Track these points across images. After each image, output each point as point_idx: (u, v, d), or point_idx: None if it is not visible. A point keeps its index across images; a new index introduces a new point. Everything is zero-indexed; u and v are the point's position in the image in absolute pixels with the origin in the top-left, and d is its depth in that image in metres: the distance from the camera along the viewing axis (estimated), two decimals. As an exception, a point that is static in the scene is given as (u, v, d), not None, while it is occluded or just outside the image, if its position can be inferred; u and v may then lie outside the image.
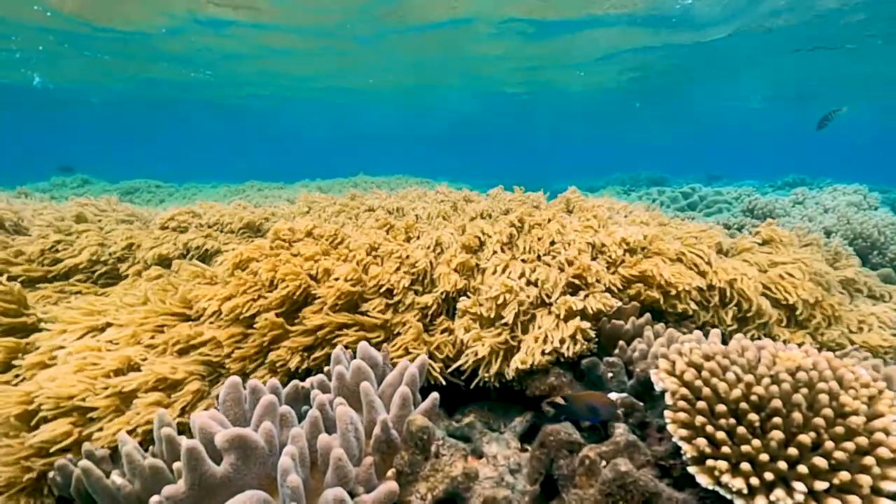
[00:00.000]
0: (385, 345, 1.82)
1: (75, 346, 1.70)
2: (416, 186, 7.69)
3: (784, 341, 2.00)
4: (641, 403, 1.54)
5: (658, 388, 1.33)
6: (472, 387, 1.85)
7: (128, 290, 2.33)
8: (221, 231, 2.78)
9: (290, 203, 5.86)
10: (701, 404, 1.17)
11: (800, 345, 1.97)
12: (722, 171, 13.68)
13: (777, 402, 1.10)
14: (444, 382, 1.84)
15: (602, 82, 15.05)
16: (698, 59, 13.12)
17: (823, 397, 1.11)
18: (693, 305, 1.94)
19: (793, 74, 14.60)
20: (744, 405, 1.12)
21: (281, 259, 1.95)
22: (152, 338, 1.81)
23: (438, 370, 1.84)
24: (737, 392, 1.14)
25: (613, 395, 1.58)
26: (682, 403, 1.20)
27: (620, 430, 1.46)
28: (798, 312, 2.06)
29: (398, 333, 1.92)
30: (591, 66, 13.46)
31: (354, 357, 1.66)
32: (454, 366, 1.87)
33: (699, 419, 1.15)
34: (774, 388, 1.13)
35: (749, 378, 1.16)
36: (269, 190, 6.73)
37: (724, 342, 1.94)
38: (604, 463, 1.35)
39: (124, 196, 7.25)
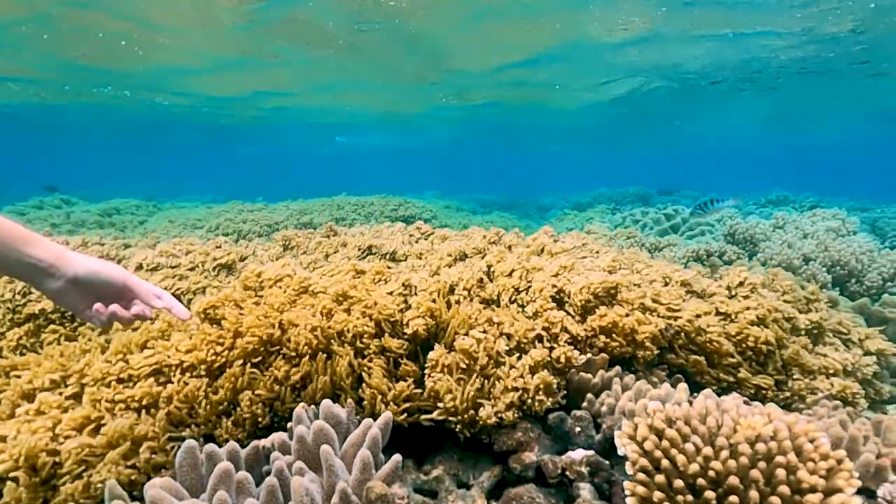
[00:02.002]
0: (350, 400, 1.79)
1: (34, 407, 1.66)
2: (397, 207, 7.72)
3: (751, 391, 2.00)
4: (607, 462, 1.53)
5: (620, 452, 1.32)
6: (443, 429, 1.83)
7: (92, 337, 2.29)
8: (193, 272, 2.75)
9: (270, 228, 5.85)
10: (659, 478, 1.15)
11: (765, 398, 1.97)
12: (678, 185, 13.84)
13: (734, 480, 1.08)
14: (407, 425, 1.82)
15: (593, 102, 15.23)
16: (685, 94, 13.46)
17: (781, 472, 1.09)
18: (655, 351, 1.93)
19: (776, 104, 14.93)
20: (701, 481, 1.11)
21: (245, 310, 1.92)
22: (114, 390, 1.78)
23: (404, 414, 1.82)
24: (695, 466, 1.13)
25: (580, 453, 1.57)
26: (641, 476, 1.19)
27: (585, 493, 1.45)
28: (763, 359, 2.06)
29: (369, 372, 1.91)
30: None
31: (318, 414, 1.63)
32: (423, 417, 1.85)
33: (657, 494, 1.13)
34: (732, 462, 1.12)
35: (707, 451, 1.15)
36: (249, 213, 6.68)
37: (691, 384, 1.95)
38: (567, 529, 1.33)
39: (104, 217, 7.19)
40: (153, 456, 1.63)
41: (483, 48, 9.41)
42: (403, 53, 9.73)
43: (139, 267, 2.78)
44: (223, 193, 13.64)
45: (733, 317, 2.17)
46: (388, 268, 2.48)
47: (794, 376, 2.08)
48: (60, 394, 1.78)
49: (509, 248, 2.74)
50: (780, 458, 1.11)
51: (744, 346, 2.08)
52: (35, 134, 25.70)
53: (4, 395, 1.79)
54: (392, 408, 1.82)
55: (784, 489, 1.07)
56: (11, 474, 1.48)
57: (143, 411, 1.73)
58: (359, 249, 2.95)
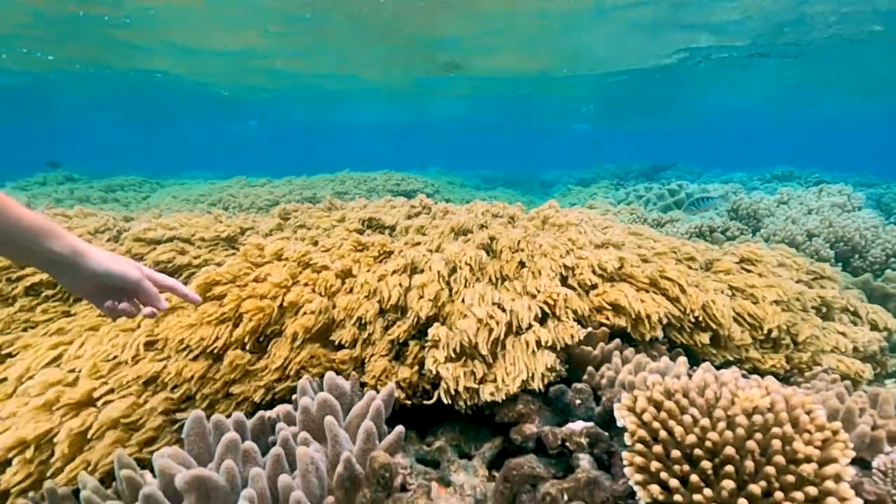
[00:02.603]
0: (353, 372, 1.82)
1: (36, 383, 1.69)
2: (399, 182, 7.69)
3: (756, 366, 2.01)
4: (606, 434, 1.55)
5: (619, 424, 1.34)
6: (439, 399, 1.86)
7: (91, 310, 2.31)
8: (193, 245, 2.76)
9: (272, 203, 5.85)
10: (657, 448, 1.17)
11: (768, 373, 1.98)
12: (672, 162, 13.71)
13: (730, 450, 1.10)
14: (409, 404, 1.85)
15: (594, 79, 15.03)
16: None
17: (776, 443, 1.11)
18: (660, 333, 1.94)
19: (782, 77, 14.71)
20: (698, 451, 1.13)
21: (247, 289, 1.94)
22: (114, 367, 1.81)
23: (407, 395, 1.85)
24: (692, 438, 1.15)
25: (579, 425, 1.59)
26: (639, 447, 1.21)
27: (584, 464, 1.47)
28: (770, 336, 2.07)
29: (372, 355, 1.93)
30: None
31: (322, 386, 1.65)
32: (423, 385, 1.88)
33: (654, 464, 1.15)
34: (729, 433, 1.13)
35: (705, 422, 1.17)
36: (252, 188, 6.67)
37: (697, 363, 1.96)
38: (565, 498, 1.36)
39: (108, 193, 7.19)
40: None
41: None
42: (402, 21, 9.59)
43: (138, 239, 2.78)
44: (227, 170, 13.59)
45: (741, 292, 2.18)
46: (391, 242, 2.48)
47: (802, 353, 2.09)
48: (61, 369, 1.82)
49: (512, 221, 2.73)
50: (776, 430, 1.13)
51: (749, 323, 2.08)
52: (37, 110, 25.55)
53: (7, 371, 1.82)
54: (398, 394, 1.86)
55: (779, 459, 1.08)
56: (12, 453, 1.51)
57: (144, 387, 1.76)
58: (360, 222, 2.96)
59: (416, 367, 1.90)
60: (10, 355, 1.96)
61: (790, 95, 18.62)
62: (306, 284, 2.01)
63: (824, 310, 2.46)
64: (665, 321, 1.96)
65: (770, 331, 2.06)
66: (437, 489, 1.58)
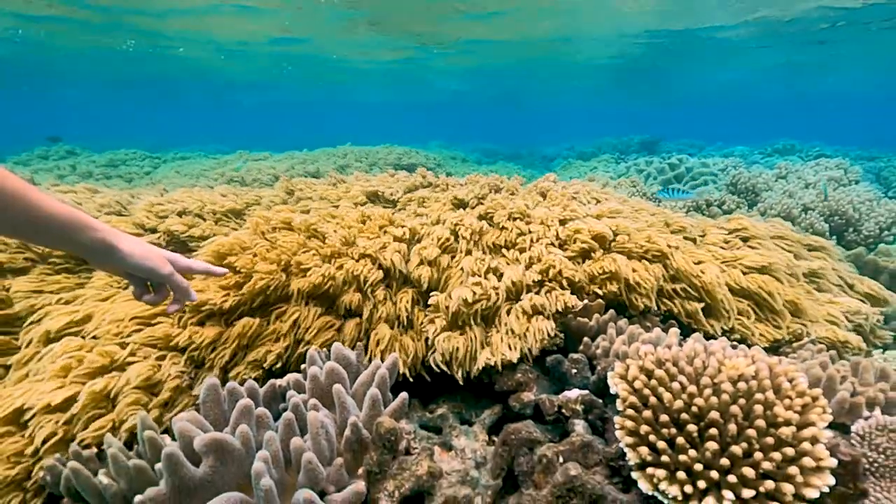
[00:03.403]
0: (359, 343, 1.90)
1: (57, 348, 1.77)
2: (401, 156, 7.71)
3: (746, 336, 2.08)
4: (601, 401, 1.63)
5: (612, 391, 1.42)
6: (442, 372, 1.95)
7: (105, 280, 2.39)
8: (203, 219, 2.82)
9: (275, 178, 5.88)
10: (647, 413, 1.25)
11: (758, 343, 2.06)
12: (663, 134, 13.67)
13: (715, 414, 1.18)
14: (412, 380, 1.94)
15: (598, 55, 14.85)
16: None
17: (758, 408, 1.19)
18: (653, 302, 2.02)
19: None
20: (685, 416, 1.21)
21: (258, 255, 2.02)
22: (132, 332, 1.89)
23: (410, 364, 1.93)
24: (679, 403, 1.22)
25: (575, 393, 1.67)
26: (630, 412, 1.29)
27: (579, 429, 1.56)
28: (760, 306, 2.14)
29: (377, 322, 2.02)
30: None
31: (329, 356, 1.73)
32: (429, 356, 1.96)
33: (644, 428, 1.23)
34: (714, 399, 1.21)
35: (692, 389, 1.24)
36: (255, 162, 6.70)
37: (687, 334, 2.04)
38: (561, 460, 1.44)
39: (111, 168, 7.21)
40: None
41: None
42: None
43: (148, 212, 2.84)
44: (228, 144, 13.56)
45: (732, 263, 2.24)
46: (393, 213, 2.56)
47: (792, 323, 2.16)
48: (82, 336, 1.90)
49: (511, 194, 2.80)
50: (758, 396, 1.21)
51: (739, 293, 2.15)
52: (36, 83, 25.34)
53: (30, 335, 1.91)
54: (404, 359, 1.94)
55: (760, 423, 1.16)
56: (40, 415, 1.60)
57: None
58: (363, 195, 3.02)
59: (422, 339, 1.98)
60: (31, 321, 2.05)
61: (795, 69, 18.46)
62: (313, 253, 2.08)
63: (818, 281, 2.53)
64: (656, 288, 2.03)
65: (760, 300, 2.13)
66: (440, 453, 1.67)
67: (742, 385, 1.24)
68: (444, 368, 1.89)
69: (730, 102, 41.43)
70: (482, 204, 2.61)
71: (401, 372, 1.92)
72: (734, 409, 1.19)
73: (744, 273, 2.20)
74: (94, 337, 1.88)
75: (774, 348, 2.09)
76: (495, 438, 1.76)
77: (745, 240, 2.53)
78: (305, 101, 37.62)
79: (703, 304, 2.11)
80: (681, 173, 6.59)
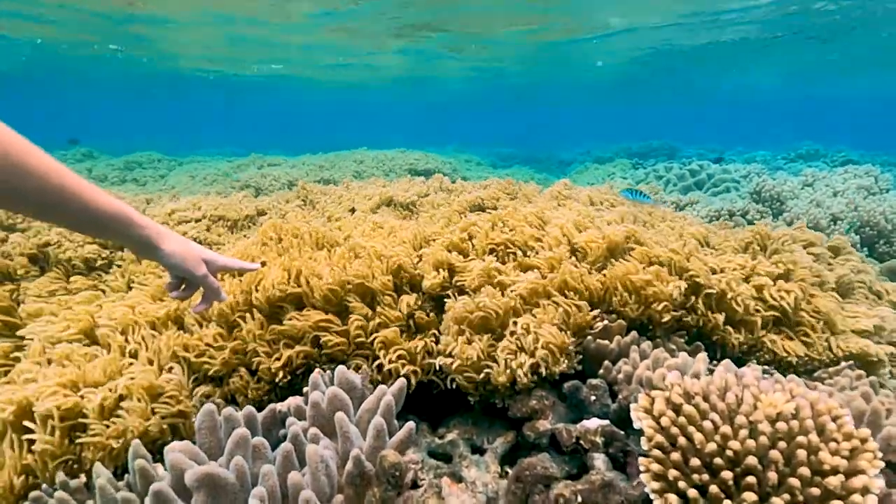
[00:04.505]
0: (364, 366, 1.80)
1: (62, 351, 1.72)
2: (416, 161, 7.64)
3: (773, 351, 1.95)
4: (622, 432, 1.51)
5: (636, 426, 1.30)
6: (455, 387, 1.86)
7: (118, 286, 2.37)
8: (217, 224, 2.80)
9: (290, 185, 5.84)
10: (675, 456, 1.14)
11: (786, 361, 1.92)
12: (681, 139, 13.45)
13: (752, 460, 1.06)
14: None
15: (615, 55, 14.62)
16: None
17: (801, 453, 1.07)
18: (671, 318, 1.90)
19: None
20: (719, 461, 1.09)
21: (268, 265, 1.96)
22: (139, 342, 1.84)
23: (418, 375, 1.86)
24: (712, 446, 1.11)
25: (594, 423, 1.56)
26: (656, 452, 1.17)
27: (599, 464, 1.44)
28: (787, 318, 2.02)
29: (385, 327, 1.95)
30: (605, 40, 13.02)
31: (332, 379, 1.64)
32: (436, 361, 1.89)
33: (672, 472, 1.11)
34: (751, 442, 1.09)
35: (726, 429, 1.12)
36: (270, 168, 6.66)
37: (716, 357, 1.91)
38: (579, 499, 1.33)
39: (126, 171, 7.23)
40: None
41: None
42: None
43: (162, 223, 2.85)
44: (244, 146, 13.61)
45: (757, 273, 2.12)
46: (405, 218, 2.51)
47: (820, 337, 2.02)
48: (86, 344, 1.85)
49: (527, 199, 2.72)
50: (801, 439, 1.09)
51: (767, 304, 2.02)
52: (56, 88, 25.77)
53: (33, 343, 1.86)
54: (409, 367, 1.85)
55: (804, 471, 1.04)
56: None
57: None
58: (379, 199, 2.95)
59: (432, 340, 1.92)
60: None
61: (815, 72, 18.07)
62: (322, 262, 2.02)
63: (844, 287, 2.39)
64: (678, 299, 1.92)
65: (785, 310, 2.01)
66: (449, 484, 1.57)
67: (782, 425, 1.12)
68: (461, 380, 1.80)
69: (749, 105, 40.79)
70: (497, 208, 2.53)
71: (412, 382, 1.84)
72: (774, 454, 1.07)
73: (775, 281, 2.07)
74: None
75: (809, 371, 1.96)
76: (508, 469, 1.65)
77: (771, 246, 2.39)
78: (320, 102, 37.80)
79: (724, 316, 1.98)
80: (701, 180, 6.42)
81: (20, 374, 1.73)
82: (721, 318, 1.95)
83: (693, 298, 1.98)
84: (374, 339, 1.88)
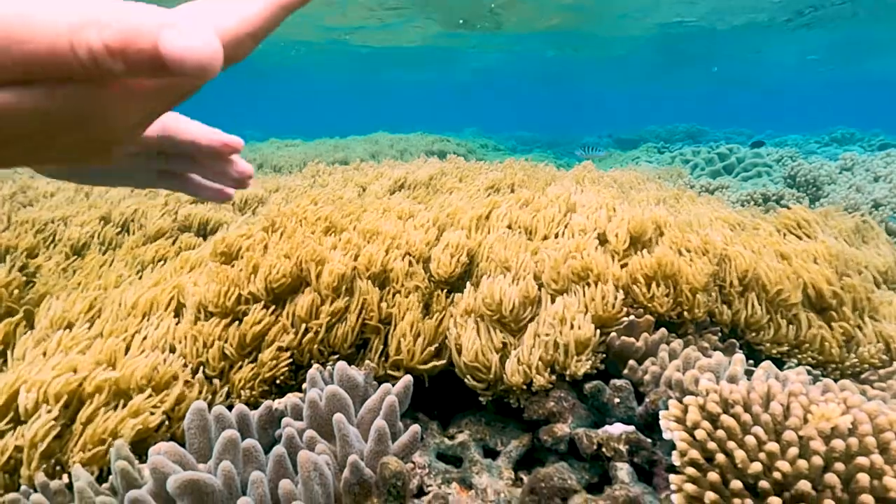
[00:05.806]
0: (368, 361, 1.68)
1: (63, 338, 1.64)
2: (433, 143, 7.48)
3: (813, 347, 1.78)
4: (649, 440, 1.37)
5: (666, 436, 1.16)
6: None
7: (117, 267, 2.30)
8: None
9: (305, 165, 5.75)
10: (713, 476, 0.99)
11: (829, 359, 1.76)
12: (708, 122, 12.96)
13: (805, 485, 0.91)
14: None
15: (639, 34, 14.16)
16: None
17: (863, 477, 0.92)
18: (702, 312, 1.74)
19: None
20: (764, 483, 0.94)
21: (269, 253, 1.84)
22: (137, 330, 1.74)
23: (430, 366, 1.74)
24: (757, 465, 0.96)
25: (618, 428, 1.42)
26: (690, 471, 1.03)
27: (622, 475, 1.31)
28: (826, 301, 1.85)
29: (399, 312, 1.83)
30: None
31: (333, 376, 1.52)
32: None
33: (710, 495, 0.97)
34: (802, 462, 0.94)
35: (772, 447, 0.98)
36: (286, 150, 6.58)
37: (753, 358, 1.75)
38: (600, 515, 1.20)
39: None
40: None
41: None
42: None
43: (165, 204, 2.78)
44: (262, 130, 13.56)
45: (793, 258, 1.95)
46: (419, 202, 2.40)
47: (865, 327, 1.85)
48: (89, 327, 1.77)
49: (548, 183, 2.57)
50: (861, 460, 0.94)
51: (806, 291, 1.86)
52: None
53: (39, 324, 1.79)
54: (418, 357, 1.72)
55: (867, 499, 0.89)
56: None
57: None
58: (392, 182, 2.84)
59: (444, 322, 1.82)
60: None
61: (849, 51, 17.35)
62: (333, 248, 1.90)
63: (884, 275, 2.21)
64: (712, 288, 1.76)
65: (824, 300, 1.84)
66: (458, 491, 1.45)
67: (838, 443, 0.97)
68: (470, 380, 1.67)
69: (779, 87, 39.52)
70: (514, 191, 2.40)
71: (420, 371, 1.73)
72: (830, 478, 0.92)
73: (813, 266, 1.91)
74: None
75: (856, 374, 1.78)
76: (522, 476, 1.52)
77: (797, 230, 2.21)
78: (338, 86, 37.64)
79: (766, 312, 1.81)
80: (731, 164, 6.16)
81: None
82: (759, 310, 1.79)
83: (727, 287, 1.82)
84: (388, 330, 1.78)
